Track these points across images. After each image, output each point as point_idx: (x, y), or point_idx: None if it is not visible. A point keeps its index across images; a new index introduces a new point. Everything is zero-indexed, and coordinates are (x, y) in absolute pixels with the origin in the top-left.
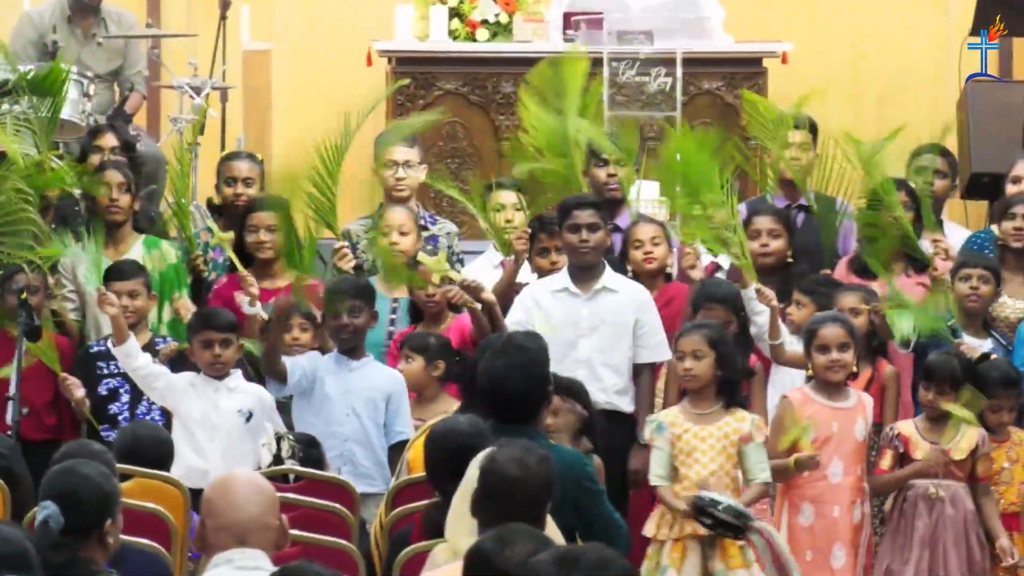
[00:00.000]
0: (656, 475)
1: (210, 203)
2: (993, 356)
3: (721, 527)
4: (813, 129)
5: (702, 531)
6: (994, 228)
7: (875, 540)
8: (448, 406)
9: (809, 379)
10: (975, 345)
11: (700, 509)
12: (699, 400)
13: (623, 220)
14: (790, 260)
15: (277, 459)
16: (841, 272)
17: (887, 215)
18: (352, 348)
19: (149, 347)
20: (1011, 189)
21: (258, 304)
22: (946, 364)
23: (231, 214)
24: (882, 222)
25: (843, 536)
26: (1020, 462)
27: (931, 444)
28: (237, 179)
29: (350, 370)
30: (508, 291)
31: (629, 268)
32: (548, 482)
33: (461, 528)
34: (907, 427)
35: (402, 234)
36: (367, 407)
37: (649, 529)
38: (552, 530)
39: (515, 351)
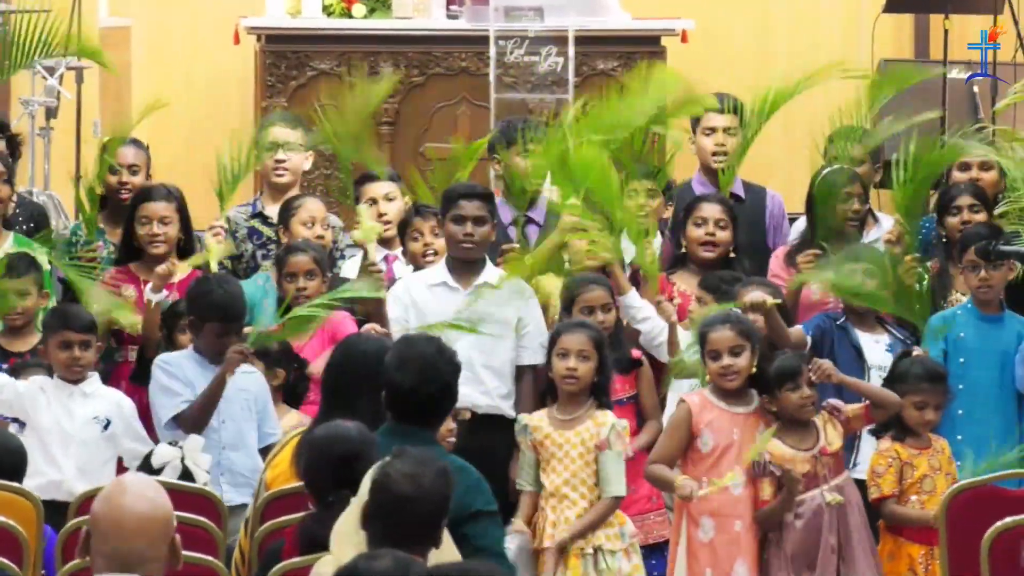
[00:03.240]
0: (519, 479)
1: (91, 192)
2: (916, 352)
3: None
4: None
5: (581, 543)
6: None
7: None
8: (282, 415)
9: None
10: (872, 341)
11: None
12: (569, 403)
13: (538, 213)
14: (732, 255)
15: (186, 476)
16: (777, 265)
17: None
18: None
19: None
20: (957, 176)
21: (164, 291)
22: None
23: (116, 205)
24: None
25: (745, 552)
26: (942, 471)
27: (801, 451)
28: (122, 167)
29: None
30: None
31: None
32: (444, 497)
33: (349, 543)
34: (774, 447)
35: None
36: (242, 410)
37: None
38: (448, 546)
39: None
